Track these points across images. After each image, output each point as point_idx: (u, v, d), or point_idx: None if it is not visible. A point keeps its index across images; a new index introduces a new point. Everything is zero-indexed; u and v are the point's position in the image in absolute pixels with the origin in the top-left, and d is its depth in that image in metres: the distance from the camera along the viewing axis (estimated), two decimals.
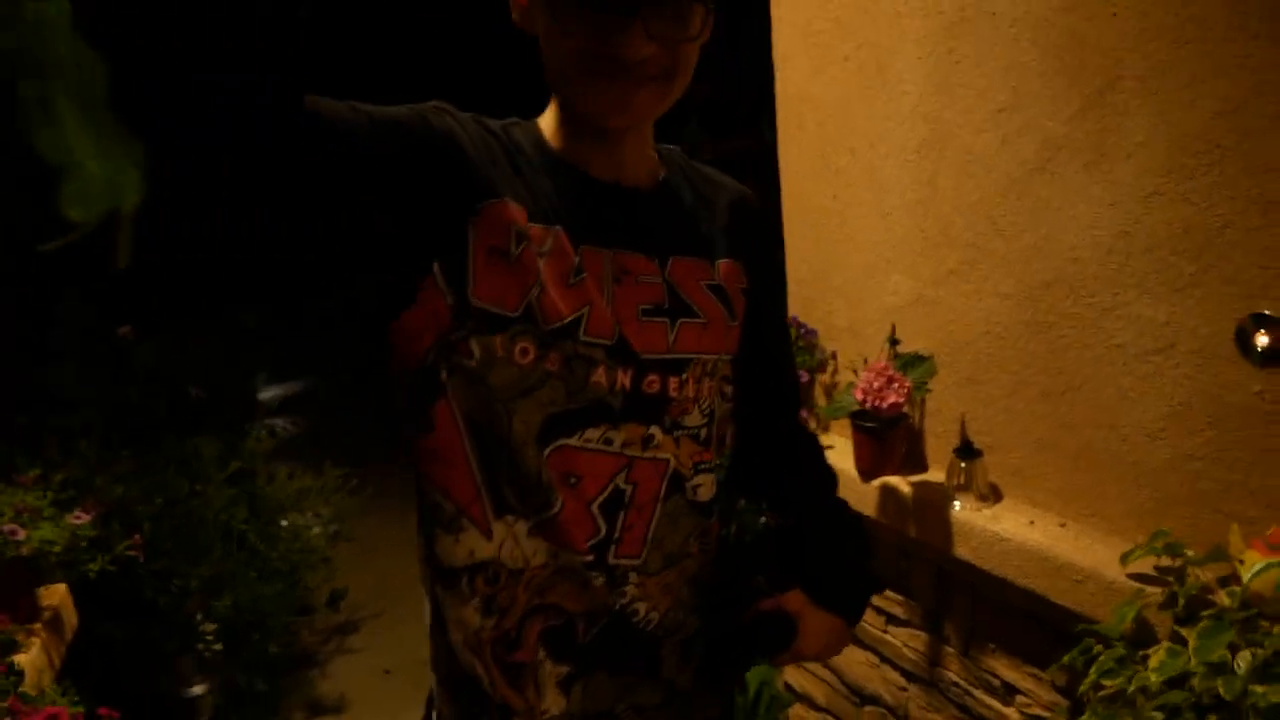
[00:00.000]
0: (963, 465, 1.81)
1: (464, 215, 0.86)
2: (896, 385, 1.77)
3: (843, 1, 1.99)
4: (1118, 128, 1.50)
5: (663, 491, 0.97)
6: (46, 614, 1.84)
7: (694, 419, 0.98)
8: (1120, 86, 1.48)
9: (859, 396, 1.81)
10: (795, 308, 2.36)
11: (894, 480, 1.95)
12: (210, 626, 2.99)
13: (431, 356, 0.89)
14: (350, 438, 7.08)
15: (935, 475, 1.93)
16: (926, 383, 1.82)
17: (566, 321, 0.89)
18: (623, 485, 0.94)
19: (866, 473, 1.98)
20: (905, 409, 1.84)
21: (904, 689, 2.15)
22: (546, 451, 0.90)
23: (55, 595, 1.93)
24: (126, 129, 0.46)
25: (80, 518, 1.79)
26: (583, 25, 0.83)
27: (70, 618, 1.98)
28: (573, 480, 0.92)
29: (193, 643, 2.75)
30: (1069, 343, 1.64)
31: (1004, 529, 1.71)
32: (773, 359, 1.14)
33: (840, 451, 2.12)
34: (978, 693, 1.92)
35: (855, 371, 2.06)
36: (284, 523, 3.82)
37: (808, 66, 2.13)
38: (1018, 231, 1.69)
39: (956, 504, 1.81)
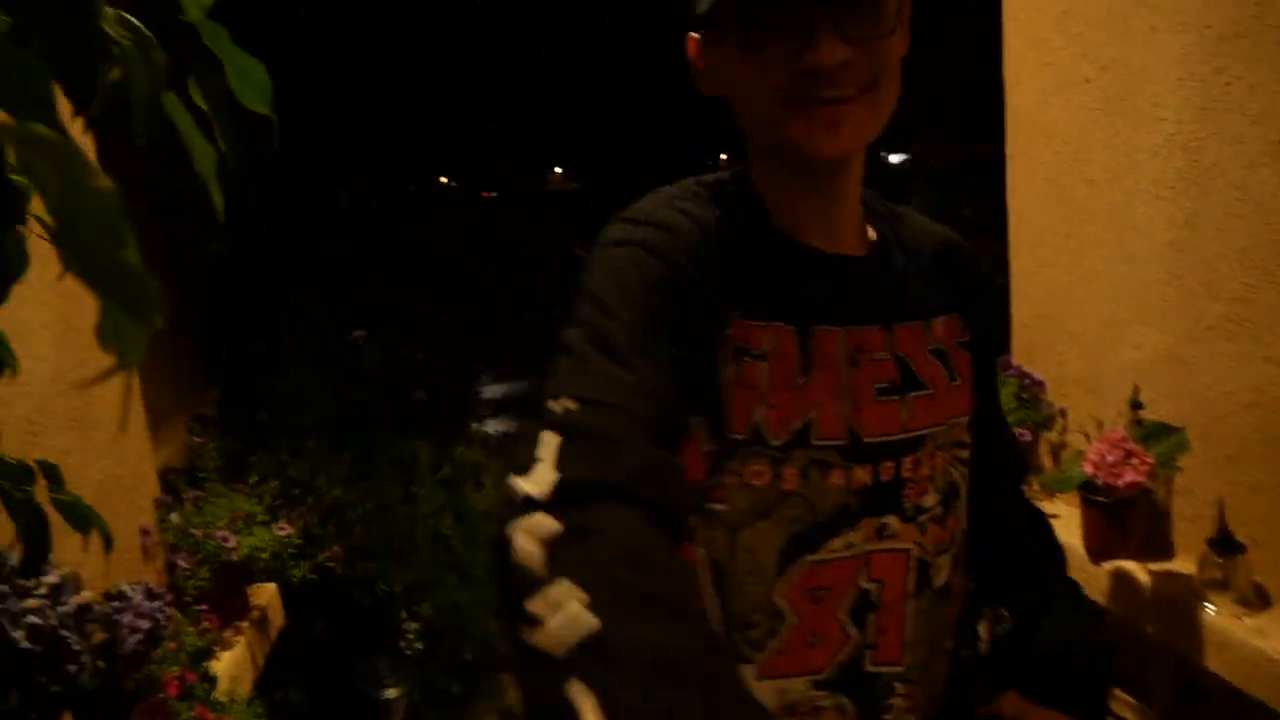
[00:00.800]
0: (1220, 560, 1.53)
1: (710, 359, 0.78)
2: (1136, 461, 1.52)
3: (1086, 15, 1.75)
4: None
5: (912, 585, 0.86)
6: (255, 613, 1.96)
7: (930, 499, 0.87)
8: None
9: (1089, 470, 1.57)
10: (1019, 354, 2.11)
11: (1130, 566, 1.68)
12: (413, 627, 3.12)
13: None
14: None
15: (1182, 565, 1.65)
16: (1175, 459, 1.55)
17: (795, 431, 0.80)
18: (865, 585, 0.84)
19: (1096, 552, 1.72)
20: (1145, 486, 1.57)
21: None
22: (790, 572, 0.81)
23: (264, 595, 2.06)
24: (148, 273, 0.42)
25: (285, 528, 1.89)
26: (773, 49, 0.75)
27: (277, 617, 2.10)
28: (819, 594, 0.82)
29: (393, 644, 2.88)
30: None
31: (1274, 646, 1.41)
32: (994, 418, 0.99)
33: (1066, 523, 1.86)
34: None
35: (1087, 435, 1.81)
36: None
37: (1043, 87, 1.90)
38: None
39: (1210, 606, 1.53)
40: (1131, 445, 1.54)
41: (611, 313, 0.71)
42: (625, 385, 0.66)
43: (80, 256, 0.39)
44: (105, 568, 1.48)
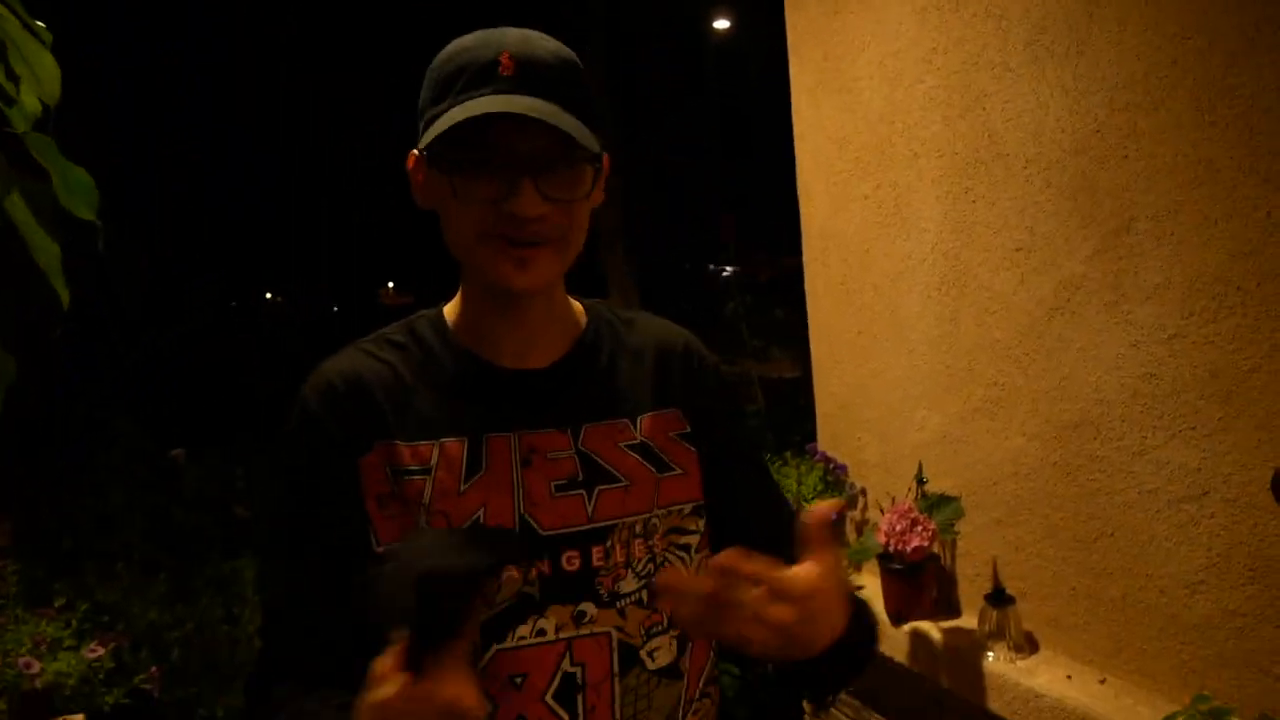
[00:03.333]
0: (995, 612, 1.72)
1: (355, 490, 0.90)
2: (920, 528, 1.72)
3: (861, 143, 2.03)
4: (1135, 269, 1.47)
5: (615, 667, 0.92)
6: None
7: (629, 584, 0.93)
8: (1135, 228, 1.47)
9: (882, 539, 1.75)
10: (824, 442, 2.32)
11: (925, 625, 1.86)
12: None
13: None
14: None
15: (969, 621, 1.84)
16: (954, 525, 1.76)
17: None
18: (569, 669, 0.90)
19: (895, 616, 1.89)
20: (932, 551, 1.77)
21: None
22: (486, 662, 0.88)
23: None
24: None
25: (96, 650, 1.80)
26: (478, 190, 0.86)
27: None
28: (518, 680, 0.89)
29: None
30: (1099, 486, 1.58)
31: (1040, 684, 1.60)
32: (757, 498, 1.06)
33: (870, 592, 2.04)
34: None
35: (883, 509, 2.00)
36: None
37: (829, 204, 2.16)
38: (1040, 371, 1.66)
39: (990, 654, 1.71)
40: (917, 514, 1.73)
41: (277, 515, 0.96)
42: (286, 591, 0.93)
43: None
44: None
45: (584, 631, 0.91)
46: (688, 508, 0.98)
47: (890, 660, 1.95)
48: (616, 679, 0.92)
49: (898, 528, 1.72)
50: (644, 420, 0.98)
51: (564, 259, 0.91)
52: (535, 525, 0.90)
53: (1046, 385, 1.65)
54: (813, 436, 2.39)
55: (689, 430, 1.00)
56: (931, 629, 1.85)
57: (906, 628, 1.89)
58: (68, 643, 1.82)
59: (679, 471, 0.98)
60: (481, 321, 0.96)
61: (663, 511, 0.96)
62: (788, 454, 2.47)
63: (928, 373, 1.91)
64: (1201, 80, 1.36)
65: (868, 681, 2.20)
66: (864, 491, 2.17)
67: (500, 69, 0.85)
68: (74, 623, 1.90)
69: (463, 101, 0.85)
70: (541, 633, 0.89)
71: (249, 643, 3.26)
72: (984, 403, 1.78)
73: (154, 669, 1.98)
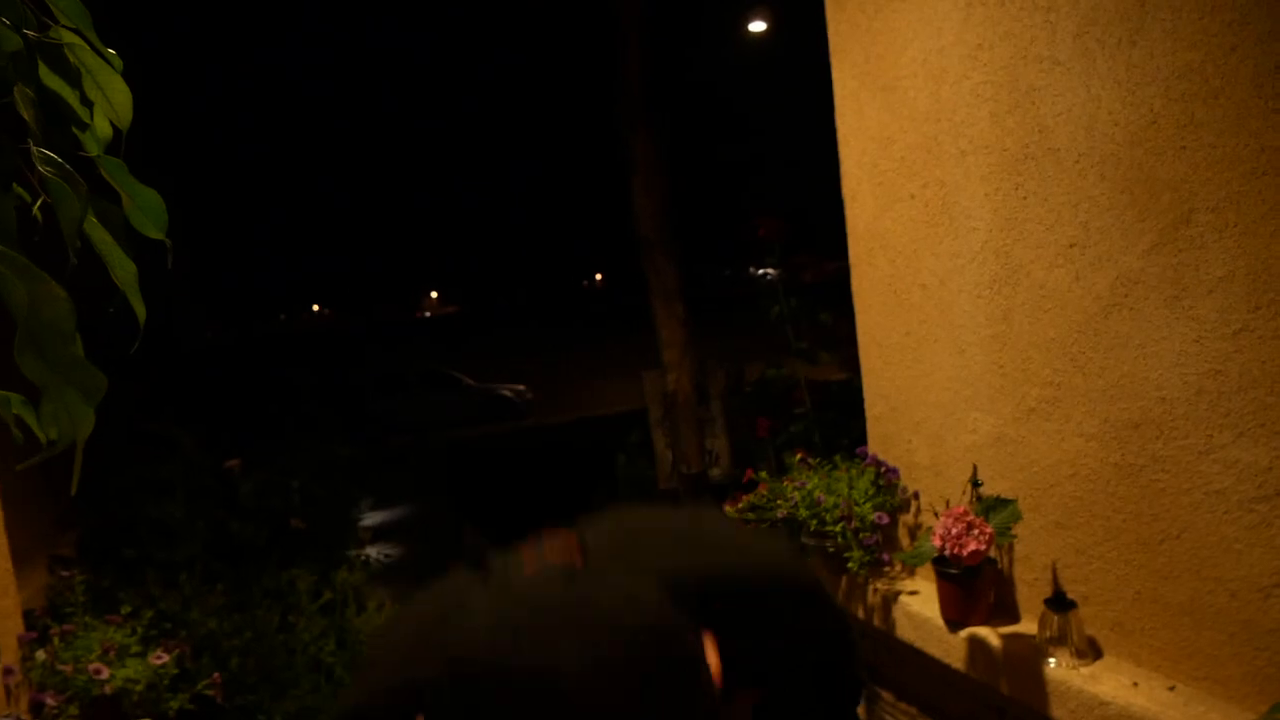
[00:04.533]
0: (1056, 617, 1.69)
1: None
2: (977, 531, 1.68)
3: (907, 142, 2.00)
4: (1196, 262, 1.44)
5: None
6: None
7: None
8: (1195, 220, 1.43)
9: (937, 543, 1.72)
10: (874, 445, 2.29)
11: (983, 631, 1.83)
12: None
13: None
14: (443, 564, 7.17)
15: (1028, 626, 1.80)
16: (1011, 528, 1.72)
17: None
18: None
19: (953, 622, 1.86)
20: (988, 555, 1.73)
21: None
22: None
23: None
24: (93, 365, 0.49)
25: (161, 658, 1.84)
26: None
27: None
28: None
29: None
30: (1163, 487, 1.54)
31: (1105, 691, 1.56)
32: None
33: (926, 598, 2.01)
34: None
35: (936, 513, 1.97)
36: None
37: (875, 205, 2.14)
38: (1098, 369, 1.62)
39: (1052, 661, 1.68)
40: (973, 518, 1.70)
41: None
42: None
43: (38, 351, 0.46)
44: None
45: None
46: None
47: (948, 667, 1.92)
48: None
49: (953, 531, 1.69)
50: None
51: None
52: None
53: (1105, 384, 1.61)
54: (861, 440, 2.37)
55: None
56: (990, 635, 1.81)
57: (964, 634, 1.85)
58: (134, 649, 1.87)
59: None
60: None
61: None
62: (837, 457, 2.45)
63: (980, 373, 1.88)
64: (1263, 66, 1.32)
65: (925, 688, 2.16)
66: (916, 495, 2.14)
67: None
68: (139, 630, 1.94)
69: None
70: None
71: (304, 651, 3.32)
72: (1039, 403, 1.75)
73: (216, 675, 2.02)
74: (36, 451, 0.61)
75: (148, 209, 0.95)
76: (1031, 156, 1.68)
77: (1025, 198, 1.71)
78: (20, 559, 2.61)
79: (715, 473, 4.85)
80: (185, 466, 3.64)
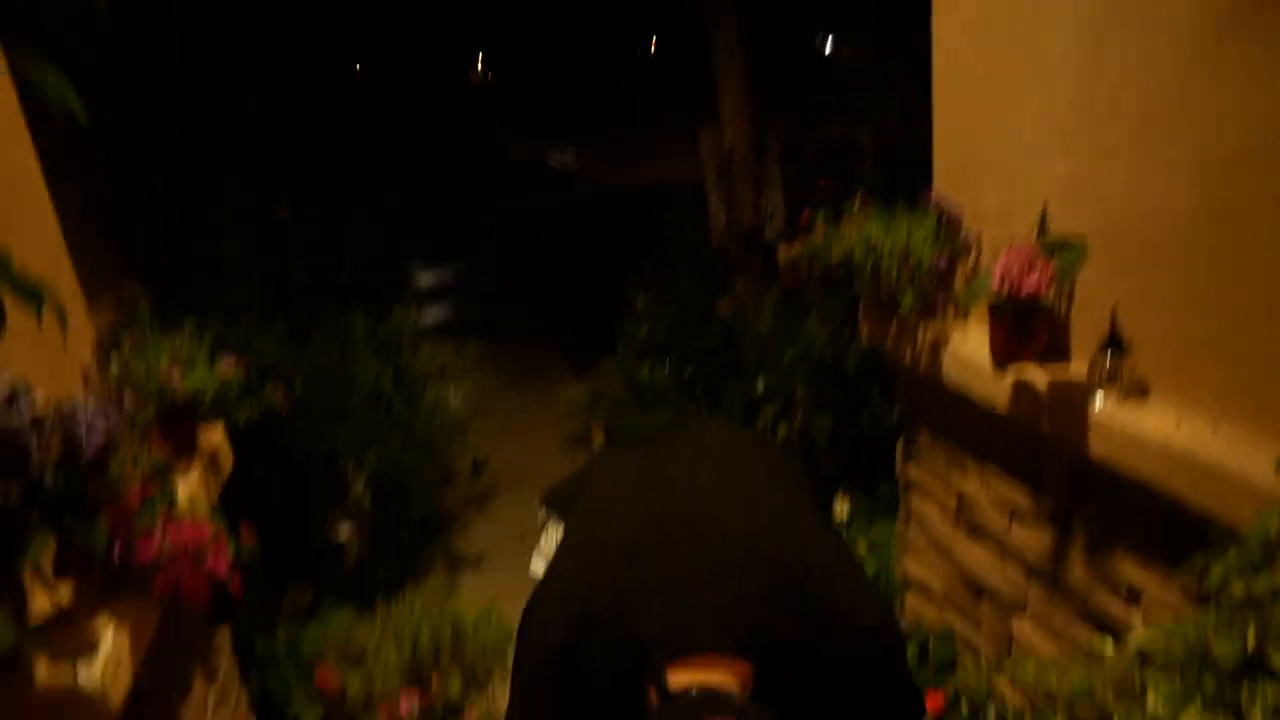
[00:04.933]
0: (1108, 358, 1.68)
1: None
2: (1038, 269, 1.64)
3: None
4: None
5: None
6: (205, 450, 2.01)
7: None
8: None
9: (996, 280, 1.69)
10: (939, 185, 2.21)
11: (1030, 371, 1.83)
12: (359, 484, 3.20)
13: None
14: (493, 321, 7.37)
15: (1078, 368, 1.80)
16: (1073, 269, 1.68)
17: None
18: None
19: (1001, 358, 1.86)
20: (1045, 296, 1.70)
21: (1024, 585, 2.07)
22: None
23: (214, 435, 2.09)
24: None
25: (229, 365, 1.92)
26: None
27: (226, 459, 2.14)
28: None
29: (342, 497, 2.96)
30: (1248, 231, 1.46)
31: (1147, 428, 1.58)
32: None
33: (976, 342, 2.00)
34: (1101, 593, 1.82)
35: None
36: (428, 394, 3.99)
37: None
38: (1199, 103, 1.50)
39: (1097, 399, 1.68)
40: (1035, 255, 1.66)
41: None
42: None
43: None
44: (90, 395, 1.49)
45: None
46: None
47: (991, 408, 1.95)
48: None
49: (1014, 268, 1.65)
50: None
51: None
52: None
53: (1204, 117, 1.50)
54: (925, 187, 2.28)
55: None
56: (1038, 374, 1.82)
57: (1010, 376, 1.86)
58: (202, 359, 1.95)
59: None
60: None
61: None
62: (900, 205, 2.38)
63: (1064, 111, 1.77)
64: None
65: (966, 429, 2.21)
66: (979, 240, 2.09)
67: None
68: (206, 341, 2.02)
69: None
70: None
71: (359, 387, 3.46)
72: (1124, 140, 1.64)
73: (282, 385, 2.11)
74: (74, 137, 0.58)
75: None
76: None
77: None
78: (88, 290, 2.71)
79: (769, 231, 4.79)
80: (234, 214, 3.65)
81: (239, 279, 3.54)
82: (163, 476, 1.52)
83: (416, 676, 2.34)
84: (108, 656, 1.32)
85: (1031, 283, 1.64)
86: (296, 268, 4.06)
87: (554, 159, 15.60)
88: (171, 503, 1.54)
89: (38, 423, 1.28)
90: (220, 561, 1.47)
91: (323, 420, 3.07)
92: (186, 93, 4.01)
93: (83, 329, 1.87)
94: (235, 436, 2.21)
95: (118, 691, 1.32)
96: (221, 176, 3.82)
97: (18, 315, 1.56)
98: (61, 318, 1.00)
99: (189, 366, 1.90)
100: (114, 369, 1.88)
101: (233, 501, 2.42)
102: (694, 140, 4.78)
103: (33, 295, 0.98)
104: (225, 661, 2.13)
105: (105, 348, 1.91)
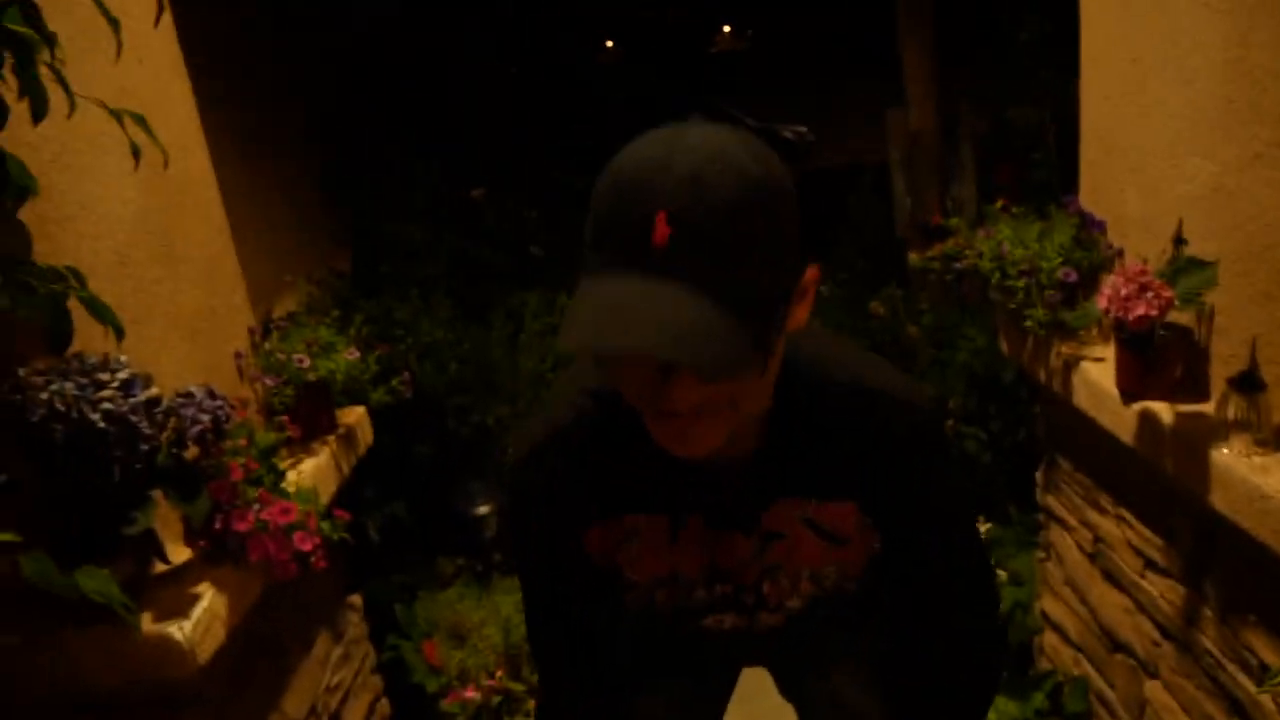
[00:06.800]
0: (1240, 398, 1.47)
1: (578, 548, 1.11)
2: (1151, 294, 1.46)
3: None
4: None
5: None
6: (341, 430, 2.21)
7: (794, 602, 1.15)
8: None
9: (1102, 304, 1.52)
10: (1085, 193, 2.01)
11: (1157, 406, 1.63)
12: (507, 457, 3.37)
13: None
14: None
15: (1214, 406, 1.59)
16: (1200, 295, 1.48)
17: (663, 577, 1.12)
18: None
19: (1126, 393, 1.68)
20: (1164, 323, 1.51)
21: (1157, 644, 1.86)
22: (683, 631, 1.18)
23: (353, 415, 2.30)
24: None
25: (354, 353, 2.09)
26: (629, 376, 0.84)
27: (365, 435, 2.34)
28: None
29: (487, 471, 3.14)
30: None
31: (1272, 484, 1.37)
32: (929, 603, 1.12)
33: (1109, 365, 1.81)
34: (1231, 667, 1.60)
35: None
36: None
37: None
38: None
39: (1225, 446, 1.48)
40: (1149, 279, 1.47)
41: (523, 560, 1.18)
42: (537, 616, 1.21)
43: None
44: (207, 383, 1.70)
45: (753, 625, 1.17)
46: (855, 573, 1.14)
47: (1118, 440, 1.76)
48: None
49: (1123, 292, 1.48)
50: (819, 506, 1.06)
51: (735, 418, 0.86)
52: (718, 566, 1.12)
53: None
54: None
55: (868, 518, 1.08)
56: (1164, 410, 1.62)
57: (1137, 407, 1.67)
58: (339, 346, 2.14)
59: (852, 544, 1.09)
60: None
61: (832, 569, 1.12)
62: (1051, 207, 2.18)
63: (1205, 109, 1.55)
64: None
65: (1099, 461, 2.02)
66: (1120, 253, 1.88)
67: (653, 238, 0.73)
68: (350, 331, 2.21)
69: (605, 278, 0.76)
70: (721, 623, 1.17)
71: (521, 367, 3.63)
72: (1268, 146, 1.42)
73: (406, 374, 2.28)
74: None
75: None
76: None
77: None
78: (299, 268, 3.03)
79: (955, 223, 4.51)
80: (426, 196, 3.92)
81: (427, 259, 3.82)
82: (268, 457, 1.70)
83: (511, 658, 2.46)
84: (202, 615, 1.50)
85: (1140, 309, 1.46)
86: (484, 249, 4.31)
87: (788, 131, 15.31)
88: (277, 481, 1.72)
89: (150, 407, 1.48)
90: (307, 540, 1.63)
91: (481, 398, 3.25)
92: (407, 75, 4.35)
93: (238, 310, 2.10)
94: (393, 414, 2.40)
95: (207, 647, 1.50)
96: (422, 158, 4.11)
97: (171, 307, 1.78)
98: (117, 329, 1.15)
99: (324, 354, 2.09)
100: (265, 349, 2.10)
101: (387, 475, 2.64)
102: (881, 122, 4.56)
103: (99, 312, 1.13)
104: (355, 625, 2.34)
105: (260, 334, 2.14)
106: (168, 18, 1.83)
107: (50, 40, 1.03)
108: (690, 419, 0.82)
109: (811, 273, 0.86)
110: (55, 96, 1.10)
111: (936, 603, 1.12)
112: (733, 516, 1.07)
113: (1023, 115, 3.30)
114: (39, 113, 1.04)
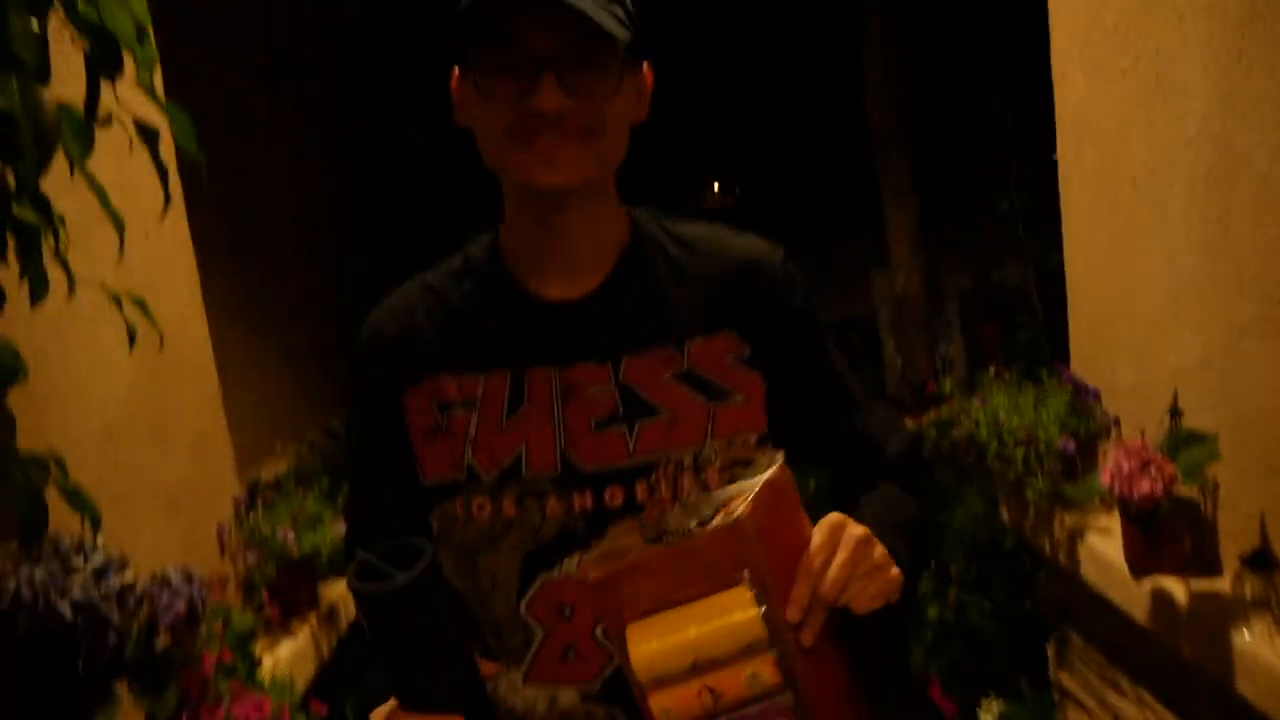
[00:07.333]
0: (1255, 578, 1.42)
1: (401, 419, 0.93)
2: (1154, 470, 1.44)
3: (1121, 6, 1.67)
4: None
5: None
6: (324, 607, 2.12)
7: (676, 519, 0.83)
8: None
9: (1105, 480, 1.49)
10: (1077, 363, 2.03)
11: (1169, 583, 1.58)
12: None
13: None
14: None
15: (1227, 583, 1.54)
16: (1204, 469, 1.46)
17: (506, 467, 0.89)
18: None
19: (1135, 568, 1.63)
20: (1164, 498, 1.48)
21: None
22: (531, 592, 0.89)
23: (337, 590, 2.21)
24: None
25: (340, 527, 2.04)
26: (501, 87, 0.83)
27: (349, 610, 2.25)
28: (567, 611, 0.89)
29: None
30: None
31: None
32: (827, 417, 0.95)
33: (1116, 537, 1.76)
34: None
35: None
36: None
37: (1084, 84, 1.83)
38: None
39: (1245, 628, 1.42)
40: (1150, 454, 1.45)
41: (348, 444, 1.09)
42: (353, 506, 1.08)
43: None
44: (186, 559, 1.64)
45: None
46: (752, 438, 0.90)
47: (1131, 618, 1.70)
48: None
49: (1125, 468, 1.46)
50: (692, 346, 0.91)
51: (597, 157, 0.86)
52: (577, 463, 0.88)
53: None
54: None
55: (750, 353, 0.91)
56: (1176, 588, 1.57)
57: (1147, 583, 1.62)
58: (327, 517, 2.08)
59: (738, 398, 0.90)
60: (525, 241, 0.93)
61: (720, 443, 0.89)
62: (1043, 372, 2.19)
63: (1190, 283, 1.58)
64: None
65: (1112, 637, 1.94)
66: (1117, 422, 1.87)
67: None
68: (339, 501, 2.16)
69: None
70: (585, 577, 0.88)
71: None
72: (1255, 321, 1.43)
73: None
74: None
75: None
76: (1259, 15, 1.34)
77: (1250, 68, 1.37)
78: (293, 430, 3.00)
79: (947, 383, 4.55)
80: None
81: None
82: (243, 644, 1.62)
83: None
84: None
85: (1144, 486, 1.44)
86: None
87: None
88: (251, 670, 1.63)
89: (124, 594, 1.41)
90: None
91: None
92: None
93: (223, 482, 2.06)
94: None
95: None
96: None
97: (154, 482, 1.74)
98: (94, 520, 1.11)
99: (310, 527, 2.04)
100: (249, 522, 2.04)
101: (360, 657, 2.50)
102: (867, 278, 4.68)
103: (77, 502, 1.09)
104: None
105: (244, 506, 2.09)
106: (177, 193, 1.88)
107: (56, 228, 1.04)
108: (554, 140, 0.82)
109: (649, 70, 0.91)
110: (54, 273, 1.11)
111: (863, 438, 0.96)
112: (586, 369, 0.89)
113: (1006, 276, 3.38)
114: (38, 294, 1.03)
